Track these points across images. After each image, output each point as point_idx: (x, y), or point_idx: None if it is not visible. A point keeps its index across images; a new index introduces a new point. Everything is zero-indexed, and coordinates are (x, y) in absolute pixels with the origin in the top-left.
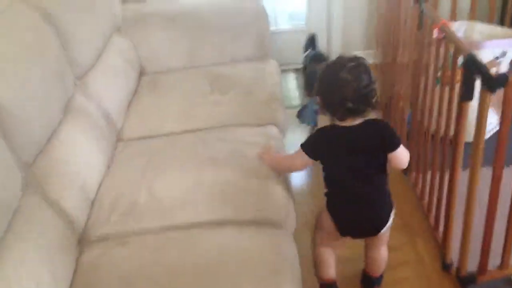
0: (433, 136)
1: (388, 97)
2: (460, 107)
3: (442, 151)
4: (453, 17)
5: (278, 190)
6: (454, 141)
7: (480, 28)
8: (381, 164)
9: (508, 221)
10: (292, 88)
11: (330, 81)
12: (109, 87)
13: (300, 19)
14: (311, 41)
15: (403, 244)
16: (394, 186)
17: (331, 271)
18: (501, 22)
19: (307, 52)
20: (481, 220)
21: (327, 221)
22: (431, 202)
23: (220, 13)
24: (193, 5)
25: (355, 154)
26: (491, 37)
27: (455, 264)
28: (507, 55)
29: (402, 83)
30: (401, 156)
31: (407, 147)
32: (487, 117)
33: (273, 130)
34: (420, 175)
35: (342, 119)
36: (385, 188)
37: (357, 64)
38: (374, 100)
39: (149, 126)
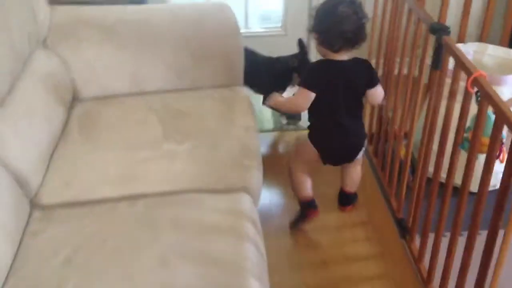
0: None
1: (379, 122)
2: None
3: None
4: (462, 38)
5: None
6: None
7: (491, 51)
8: (361, 99)
9: None
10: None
11: (330, 16)
12: (21, 134)
13: (275, 21)
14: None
15: None
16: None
17: (309, 191)
18: None
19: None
20: None
21: (310, 152)
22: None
23: (178, 24)
24: (143, 12)
25: (347, 88)
26: (504, 61)
27: None
28: None
29: (401, 116)
30: (379, 92)
31: (408, 198)
32: None
33: (245, 201)
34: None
35: (339, 50)
36: (362, 120)
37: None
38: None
39: (76, 188)
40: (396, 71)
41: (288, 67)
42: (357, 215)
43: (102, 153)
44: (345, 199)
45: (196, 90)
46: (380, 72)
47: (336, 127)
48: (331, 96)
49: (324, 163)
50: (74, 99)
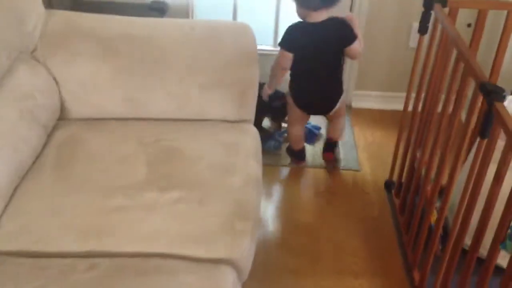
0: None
1: (411, 172)
2: None
3: None
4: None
5: None
6: None
7: None
8: (339, 56)
9: None
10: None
11: None
12: None
13: (267, 41)
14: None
15: None
16: None
17: (301, 143)
18: None
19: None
20: None
21: (294, 108)
22: None
23: (187, 45)
24: (151, 26)
25: (323, 46)
26: None
27: None
28: None
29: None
30: (357, 47)
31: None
32: None
33: (227, 278)
34: None
35: (318, 9)
36: (339, 77)
37: None
38: None
39: (33, 236)
40: (439, 109)
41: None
42: (370, 287)
43: (73, 195)
44: (329, 146)
45: (199, 124)
46: (419, 109)
47: (313, 82)
48: (308, 55)
49: (301, 109)
50: (61, 119)
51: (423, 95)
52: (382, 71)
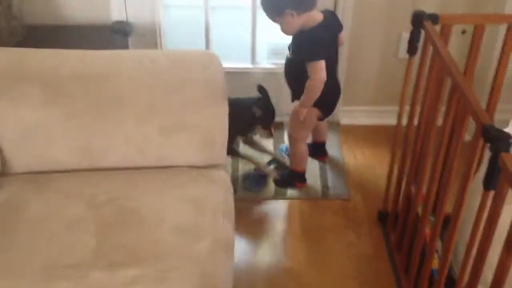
0: None
1: (407, 201)
2: None
3: None
4: None
5: None
6: None
7: None
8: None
9: None
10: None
11: None
12: None
13: (244, 57)
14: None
15: None
16: None
17: (306, 164)
18: None
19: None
20: None
21: (314, 115)
22: None
23: (147, 81)
24: (106, 62)
25: (334, 41)
26: None
27: None
28: None
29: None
30: (343, 33)
31: None
32: None
33: None
34: None
35: (311, 8)
36: None
37: None
38: None
39: None
40: (439, 122)
41: (249, 113)
42: None
43: (9, 280)
44: (323, 149)
45: (162, 173)
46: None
47: (335, 81)
48: (331, 55)
49: (326, 116)
50: (1, 175)
51: (418, 108)
52: (371, 84)
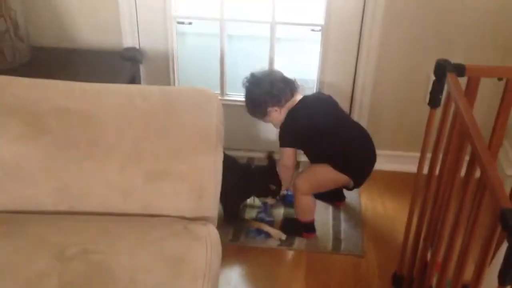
0: None
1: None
2: None
3: None
4: None
5: None
6: None
7: None
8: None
9: None
10: None
11: (266, 87)
12: None
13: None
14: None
15: None
16: None
17: (314, 215)
18: None
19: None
20: None
21: (327, 175)
22: None
23: (135, 121)
24: (93, 97)
25: (328, 107)
26: None
27: None
28: None
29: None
30: None
31: None
32: None
33: None
34: None
35: (291, 96)
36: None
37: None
38: None
39: None
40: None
41: (262, 185)
42: None
43: None
44: (341, 193)
45: (144, 221)
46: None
47: (349, 143)
48: (327, 123)
49: (355, 186)
50: None
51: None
52: (395, 128)
